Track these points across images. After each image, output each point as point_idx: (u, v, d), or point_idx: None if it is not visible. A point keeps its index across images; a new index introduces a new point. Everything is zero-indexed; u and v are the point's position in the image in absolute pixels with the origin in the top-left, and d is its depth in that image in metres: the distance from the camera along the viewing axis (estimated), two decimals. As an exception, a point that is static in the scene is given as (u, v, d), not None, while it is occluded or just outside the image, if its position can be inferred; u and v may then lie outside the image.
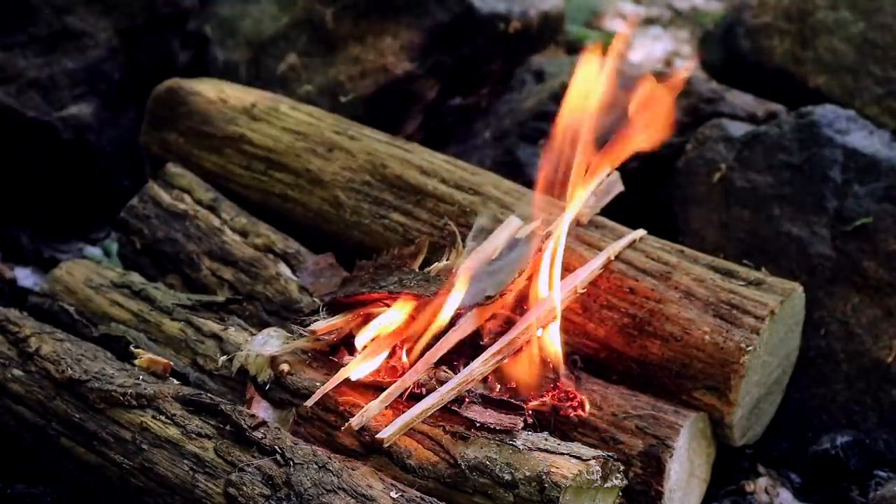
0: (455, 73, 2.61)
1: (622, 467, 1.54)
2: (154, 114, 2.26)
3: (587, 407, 1.68)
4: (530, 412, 1.60)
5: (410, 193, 2.01)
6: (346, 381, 1.61)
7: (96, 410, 1.56)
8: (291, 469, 1.43)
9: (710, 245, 2.11)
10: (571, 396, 1.68)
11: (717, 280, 1.81)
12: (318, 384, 1.61)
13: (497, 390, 1.64)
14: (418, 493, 1.43)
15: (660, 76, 1.87)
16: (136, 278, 1.92)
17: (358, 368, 1.61)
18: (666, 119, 1.81)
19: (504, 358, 1.63)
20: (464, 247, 1.83)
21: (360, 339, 1.66)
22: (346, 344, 1.69)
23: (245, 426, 1.49)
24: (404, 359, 1.64)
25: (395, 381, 1.57)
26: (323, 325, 1.68)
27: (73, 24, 2.44)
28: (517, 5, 2.61)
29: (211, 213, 2.05)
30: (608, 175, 1.97)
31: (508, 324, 1.71)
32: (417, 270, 1.74)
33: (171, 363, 1.67)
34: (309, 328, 1.67)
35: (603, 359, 1.81)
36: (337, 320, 1.69)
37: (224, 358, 1.70)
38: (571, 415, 1.67)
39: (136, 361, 1.67)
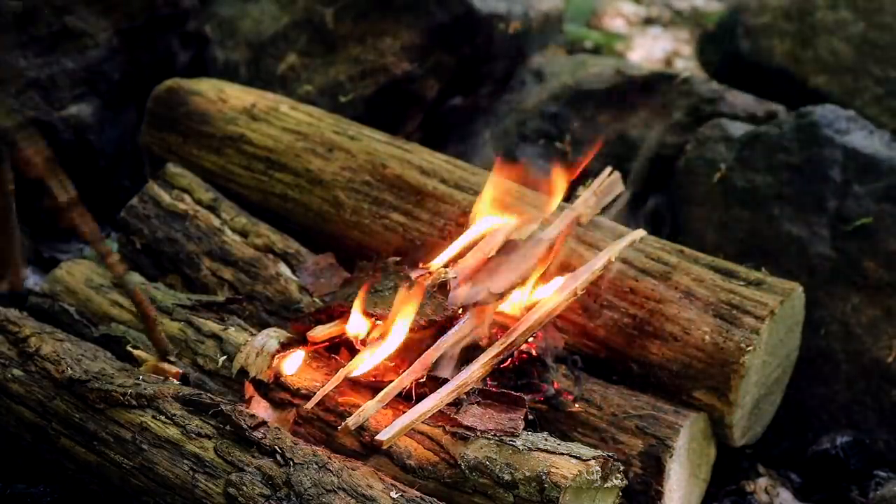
0: (455, 73, 2.61)
1: (622, 467, 1.54)
2: (154, 114, 2.26)
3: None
4: (529, 408, 1.60)
5: (410, 193, 2.01)
6: (347, 382, 1.61)
7: (96, 410, 1.56)
8: (291, 469, 1.42)
9: (710, 245, 2.11)
10: (561, 391, 1.69)
11: (717, 280, 1.81)
12: (317, 384, 1.61)
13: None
14: (418, 493, 1.43)
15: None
16: (136, 278, 1.91)
17: (359, 367, 1.60)
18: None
19: (503, 359, 1.63)
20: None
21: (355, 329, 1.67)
22: (346, 344, 1.69)
23: (245, 426, 1.48)
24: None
25: (393, 381, 1.57)
26: (321, 330, 1.68)
27: (73, 24, 2.44)
28: (517, 5, 2.61)
29: (211, 213, 2.05)
30: (609, 175, 1.98)
31: (506, 326, 1.71)
32: (414, 279, 1.73)
33: (180, 370, 1.67)
34: (308, 333, 1.67)
35: (603, 359, 1.81)
36: (334, 326, 1.69)
37: (224, 358, 1.70)
38: (572, 408, 1.68)
39: (142, 368, 1.67)
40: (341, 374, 1.59)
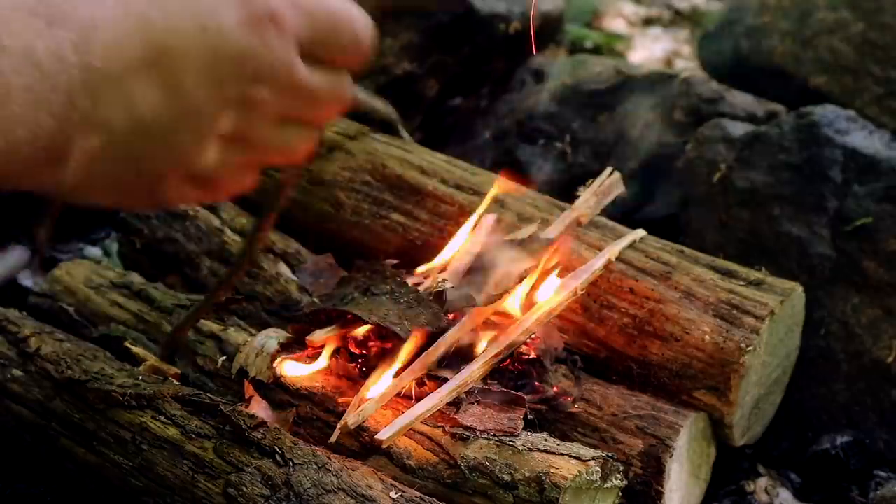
0: (455, 73, 2.61)
1: (622, 467, 1.54)
2: (154, 114, 2.25)
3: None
4: (529, 409, 1.60)
5: (410, 193, 2.01)
6: (346, 381, 1.61)
7: (96, 411, 1.56)
8: (291, 469, 1.42)
9: (710, 245, 2.11)
10: (560, 391, 1.69)
11: (717, 280, 1.81)
12: (317, 384, 1.61)
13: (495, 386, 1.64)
14: (418, 494, 1.43)
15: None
16: (136, 278, 1.91)
17: (375, 386, 1.59)
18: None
19: (503, 359, 1.63)
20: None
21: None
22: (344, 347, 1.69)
23: (244, 426, 1.48)
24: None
25: (393, 381, 1.57)
26: (320, 335, 1.68)
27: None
28: (517, 5, 2.62)
29: (211, 213, 2.05)
30: (609, 175, 1.98)
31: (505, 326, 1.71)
32: (410, 285, 1.73)
33: (179, 371, 1.66)
34: (307, 338, 1.67)
35: (603, 359, 1.81)
36: (332, 330, 1.69)
37: (223, 358, 1.69)
38: (572, 408, 1.68)
39: (141, 367, 1.67)
40: (356, 400, 1.57)
